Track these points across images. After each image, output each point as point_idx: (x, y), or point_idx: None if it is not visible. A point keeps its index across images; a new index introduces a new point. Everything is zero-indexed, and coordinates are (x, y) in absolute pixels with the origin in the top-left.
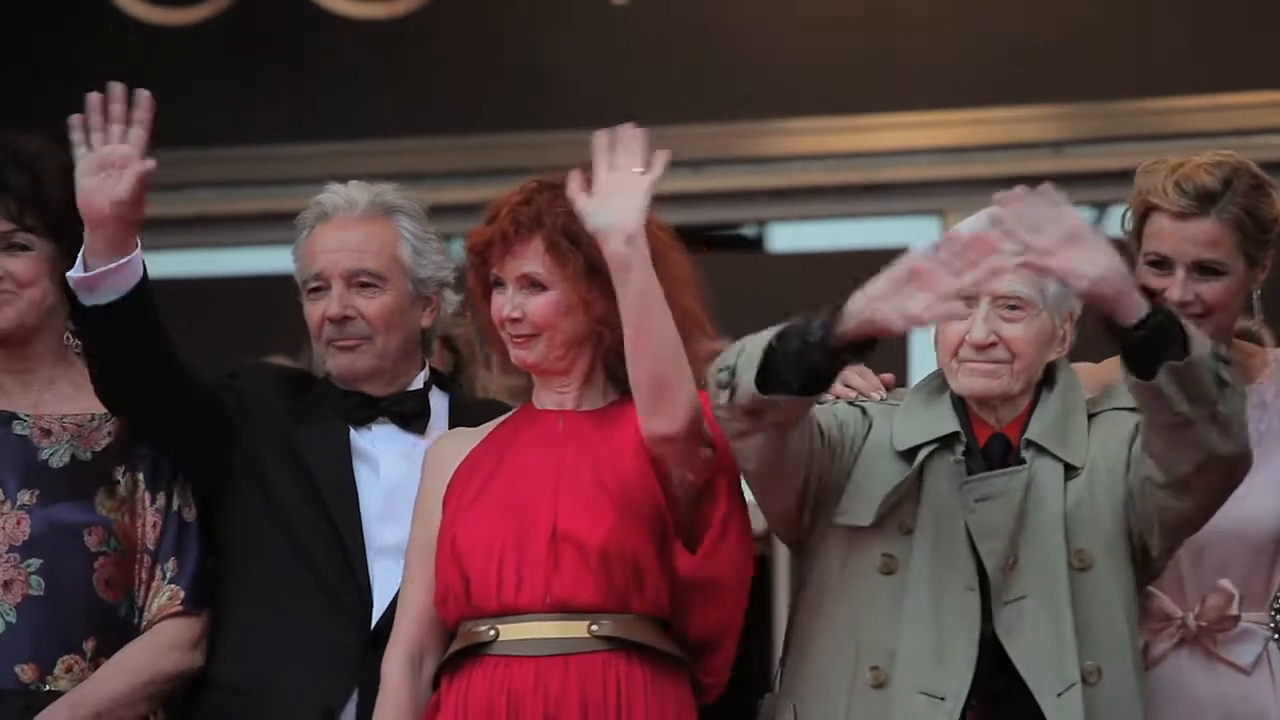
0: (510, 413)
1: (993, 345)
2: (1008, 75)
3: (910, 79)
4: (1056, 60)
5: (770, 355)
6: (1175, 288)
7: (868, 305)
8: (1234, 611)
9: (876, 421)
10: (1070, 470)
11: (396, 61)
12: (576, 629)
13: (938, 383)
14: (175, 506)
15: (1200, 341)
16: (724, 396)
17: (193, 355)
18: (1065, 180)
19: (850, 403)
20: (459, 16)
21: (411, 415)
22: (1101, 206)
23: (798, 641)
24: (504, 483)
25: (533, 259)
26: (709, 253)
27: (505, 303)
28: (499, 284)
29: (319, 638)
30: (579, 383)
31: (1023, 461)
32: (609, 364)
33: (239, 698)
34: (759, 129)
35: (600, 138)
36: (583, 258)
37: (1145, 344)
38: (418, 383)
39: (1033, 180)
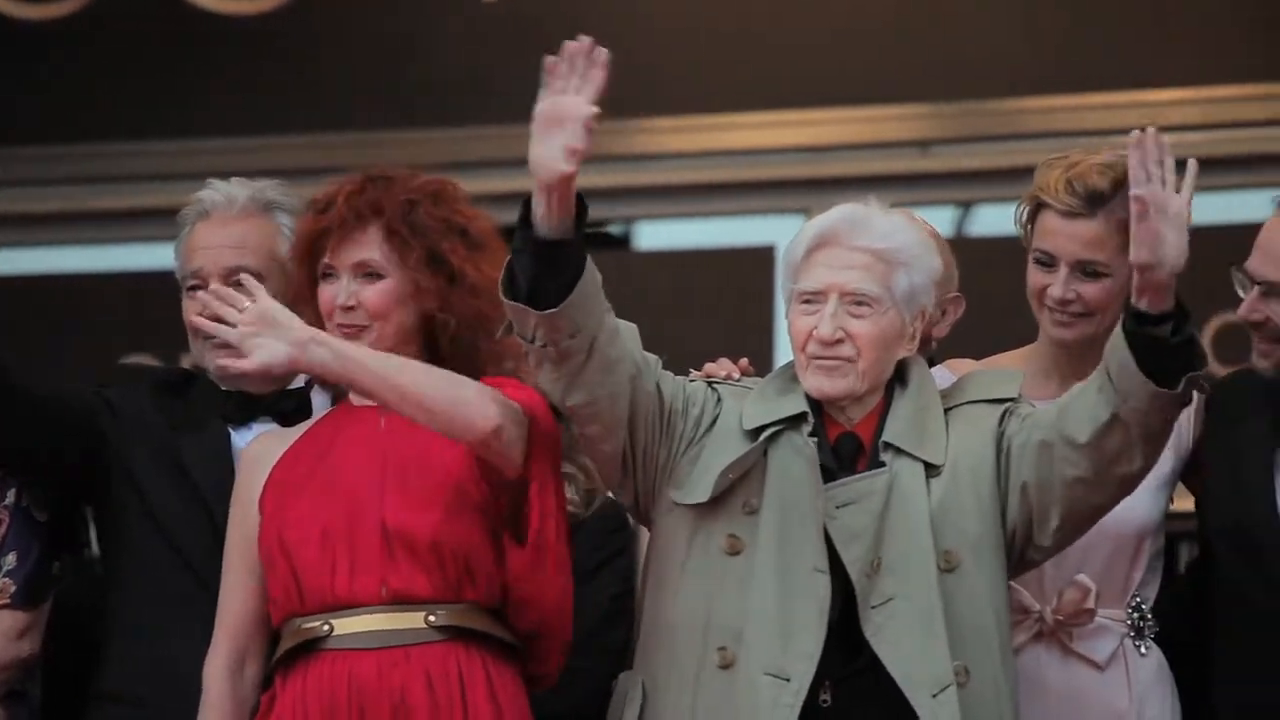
0: (325, 412)
1: (839, 341)
2: (874, 74)
3: (777, 77)
4: (923, 59)
5: (513, 271)
6: (1057, 285)
7: (533, 168)
8: (1090, 606)
9: (727, 403)
10: (930, 469)
11: (265, 58)
12: (413, 620)
13: (792, 373)
14: (25, 504)
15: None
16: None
17: (50, 378)
18: (930, 180)
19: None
20: (327, 12)
21: (292, 413)
22: (966, 206)
23: (649, 621)
24: (327, 478)
25: (370, 247)
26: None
27: (339, 291)
28: (329, 275)
29: (204, 644)
30: None
31: (881, 464)
32: (442, 355)
33: (128, 709)
34: (625, 127)
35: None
36: (423, 246)
37: (1170, 351)
38: (299, 380)
39: (898, 180)
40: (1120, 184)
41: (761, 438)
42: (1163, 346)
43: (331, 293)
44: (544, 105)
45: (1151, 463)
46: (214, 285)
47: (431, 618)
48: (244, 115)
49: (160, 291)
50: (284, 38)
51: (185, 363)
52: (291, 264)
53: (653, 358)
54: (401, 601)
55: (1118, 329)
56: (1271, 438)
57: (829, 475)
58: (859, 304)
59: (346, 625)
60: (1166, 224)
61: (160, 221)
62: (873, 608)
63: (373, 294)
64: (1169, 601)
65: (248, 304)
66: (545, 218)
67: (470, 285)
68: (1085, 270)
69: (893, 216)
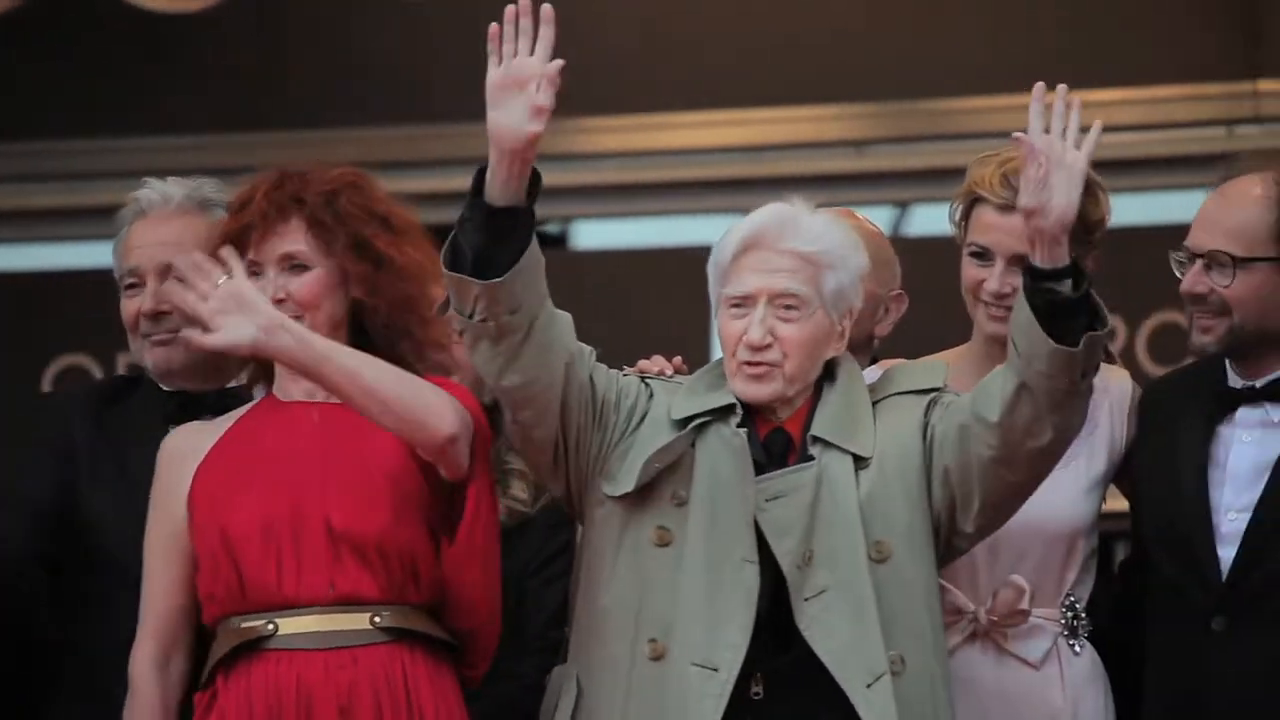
0: (248, 405)
1: (768, 346)
2: (811, 74)
3: (714, 77)
4: (859, 59)
5: (457, 243)
6: (993, 279)
7: (494, 135)
8: (1024, 606)
9: (659, 397)
10: (859, 461)
11: (193, 56)
12: (359, 621)
13: (717, 374)
14: None
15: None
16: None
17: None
18: (866, 179)
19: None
20: (254, 12)
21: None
22: (902, 205)
23: (582, 614)
24: (266, 474)
25: (294, 238)
26: None
27: (266, 285)
28: (254, 272)
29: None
30: None
31: (810, 458)
32: (371, 343)
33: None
34: (563, 126)
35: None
36: (347, 233)
37: (1069, 307)
38: (242, 378)
39: (835, 179)
40: None
41: (689, 428)
42: (1062, 304)
43: (259, 288)
44: (495, 73)
45: (1063, 437)
46: (192, 255)
47: (377, 619)
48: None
49: (98, 291)
50: (211, 36)
51: (122, 363)
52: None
53: (587, 349)
54: (348, 602)
55: (1020, 302)
56: (1204, 431)
57: (759, 469)
58: (788, 307)
59: (291, 625)
60: (1059, 172)
61: (97, 220)
62: (806, 600)
63: (300, 285)
64: (1105, 601)
65: (223, 280)
66: (504, 184)
67: (398, 269)
68: (1022, 263)
69: (819, 217)
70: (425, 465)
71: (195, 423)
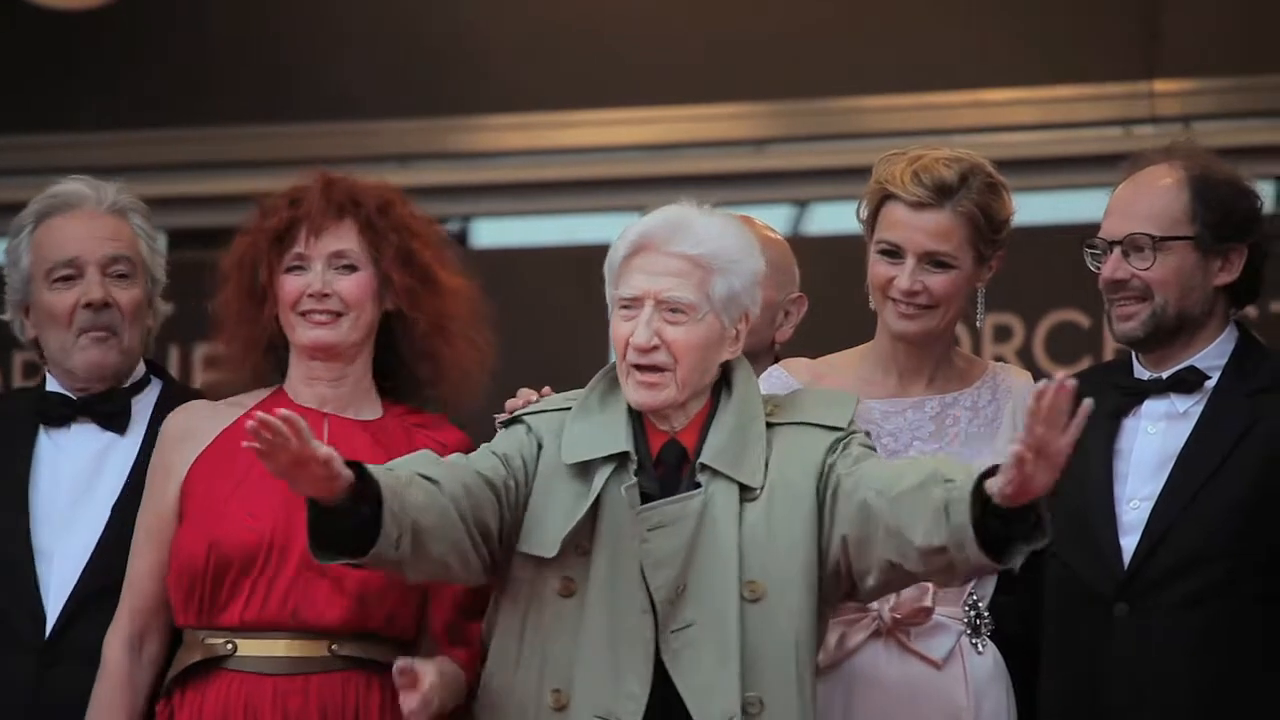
0: (261, 397)
1: (655, 348)
2: (710, 73)
3: (615, 75)
4: (759, 58)
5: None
6: (904, 276)
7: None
8: (927, 604)
9: (546, 440)
10: (745, 490)
11: (108, 52)
12: (317, 648)
13: (611, 380)
14: None
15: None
16: None
17: None
18: (766, 178)
19: (511, 422)
20: (169, 4)
21: (114, 415)
22: (802, 204)
23: (493, 664)
24: (260, 489)
25: (346, 238)
26: None
27: (314, 279)
28: (297, 266)
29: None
30: (354, 382)
31: (697, 484)
32: (388, 363)
33: None
34: (463, 124)
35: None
36: (399, 242)
37: (1013, 517)
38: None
39: (734, 178)
40: (965, 177)
41: (593, 490)
42: (1007, 514)
43: (303, 282)
44: (272, 468)
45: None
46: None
47: (335, 646)
48: (85, 109)
49: None
50: (124, 31)
51: (16, 362)
52: (243, 265)
53: (463, 466)
54: (308, 629)
55: (964, 490)
56: (1111, 424)
57: (650, 498)
58: (675, 311)
59: (250, 647)
60: (1041, 466)
61: None
62: (672, 632)
63: (349, 284)
64: (1006, 598)
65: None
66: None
67: (440, 287)
68: (932, 261)
69: (713, 219)
70: None
71: (200, 402)
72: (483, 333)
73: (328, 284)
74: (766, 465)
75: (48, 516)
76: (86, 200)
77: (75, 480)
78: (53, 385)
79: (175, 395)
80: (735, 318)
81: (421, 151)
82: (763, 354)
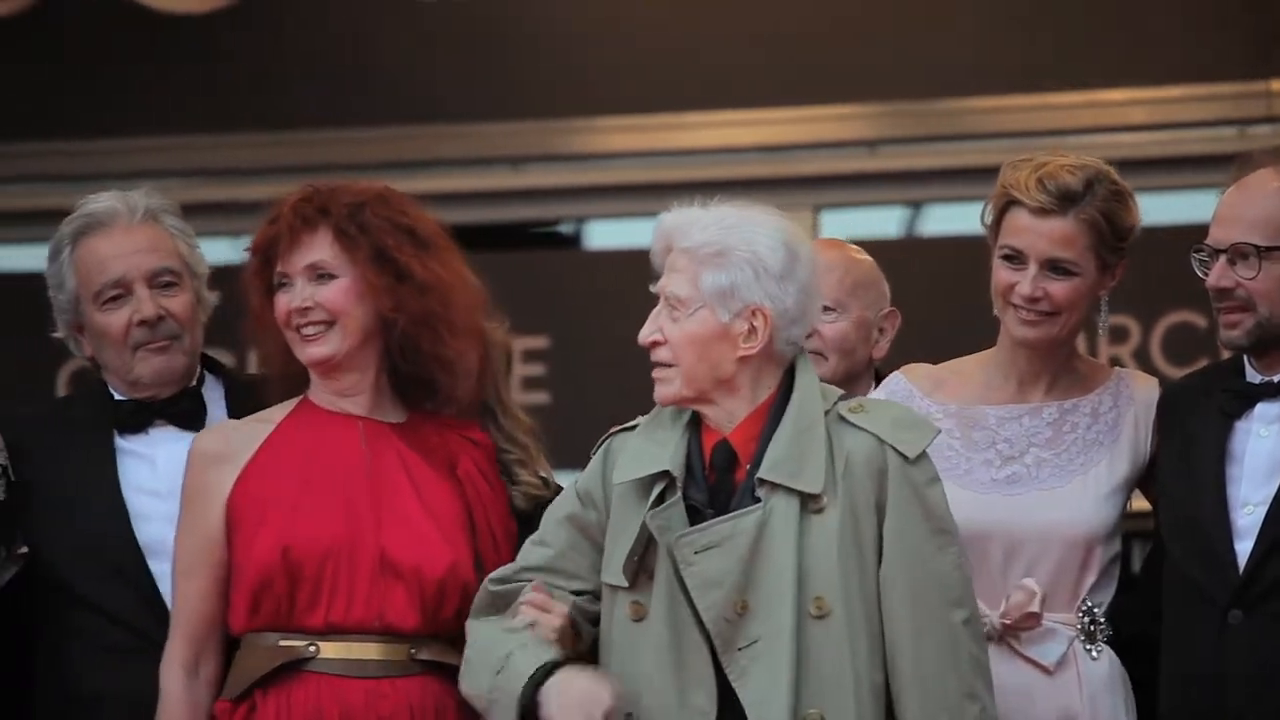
0: (288, 409)
1: (656, 345)
2: (823, 74)
3: (728, 78)
4: (871, 59)
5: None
6: (1025, 282)
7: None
8: (1035, 609)
9: (620, 461)
10: (809, 500)
11: (208, 57)
12: (398, 652)
13: None
14: None
15: None
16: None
17: None
18: (879, 179)
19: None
20: (272, 10)
21: (189, 414)
22: (915, 205)
23: None
24: (323, 495)
25: (320, 248)
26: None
27: (294, 296)
28: (283, 284)
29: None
30: (370, 387)
31: (755, 497)
32: (396, 366)
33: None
34: (577, 126)
35: None
36: (370, 243)
37: None
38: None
39: (847, 179)
40: (1090, 184)
41: (642, 514)
42: None
43: (287, 299)
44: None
45: None
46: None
47: (414, 650)
48: (183, 113)
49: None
50: (229, 37)
51: (64, 374)
52: (246, 283)
53: (548, 518)
54: (390, 633)
55: None
56: (1222, 428)
57: (699, 516)
58: (673, 307)
59: (334, 650)
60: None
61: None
62: (739, 649)
63: (328, 292)
64: (1128, 603)
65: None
66: None
67: (419, 283)
68: (1054, 268)
69: (710, 214)
70: (469, 492)
71: (229, 423)
72: (479, 324)
73: (308, 297)
74: (833, 462)
75: (148, 517)
76: (119, 215)
77: (173, 479)
78: (116, 394)
79: (241, 384)
80: (735, 311)
81: (534, 154)
82: (863, 372)
